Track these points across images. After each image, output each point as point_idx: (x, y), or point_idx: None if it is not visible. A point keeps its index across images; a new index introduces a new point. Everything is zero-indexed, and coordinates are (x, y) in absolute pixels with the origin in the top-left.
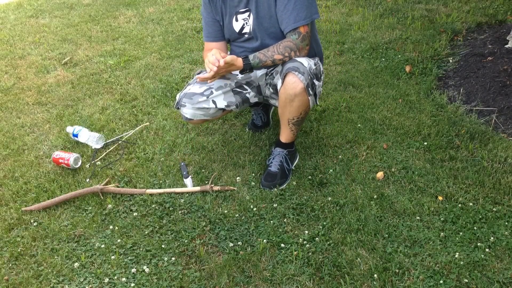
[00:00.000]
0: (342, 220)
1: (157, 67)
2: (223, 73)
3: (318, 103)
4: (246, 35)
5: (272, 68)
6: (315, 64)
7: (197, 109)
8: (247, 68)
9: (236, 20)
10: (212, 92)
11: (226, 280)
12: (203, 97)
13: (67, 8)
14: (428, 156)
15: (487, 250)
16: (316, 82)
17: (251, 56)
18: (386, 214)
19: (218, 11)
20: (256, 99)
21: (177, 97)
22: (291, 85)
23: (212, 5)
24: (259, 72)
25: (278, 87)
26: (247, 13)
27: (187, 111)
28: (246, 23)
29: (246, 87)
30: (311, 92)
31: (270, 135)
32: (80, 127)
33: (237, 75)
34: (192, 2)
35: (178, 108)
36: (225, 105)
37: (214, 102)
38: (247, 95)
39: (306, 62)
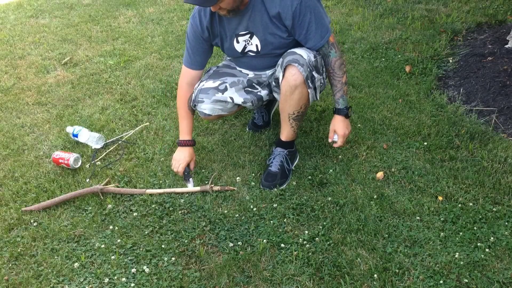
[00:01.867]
0: (342, 220)
1: (157, 67)
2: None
3: (318, 98)
4: (252, 53)
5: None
6: (314, 57)
7: (215, 103)
8: (345, 112)
9: (237, 42)
10: (226, 88)
11: (226, 280)
12: (219, 92)
13: (67, 8)
14: (428, 156)
15: (487, 250)
16: (316, 75)
17: (340, 103)
18: (386, 214)
19: (216, 34)
20: (268, 97)
21: (192, 95)
22: (292, 77)
23: (207, 31)
24: (269, 71)
25: (280, 80)
26: (248, 35)
27: (206, 107)
28: (248, 43)
29: (257, 86)
30: (310, 85)
31: (270, 135)
32: (80, 127)
33: (248, 74)
34: None
35: (194, 106)
36: (241, 101)
37: (231, 98)
38: (259, 93)
39: (306, 54)
